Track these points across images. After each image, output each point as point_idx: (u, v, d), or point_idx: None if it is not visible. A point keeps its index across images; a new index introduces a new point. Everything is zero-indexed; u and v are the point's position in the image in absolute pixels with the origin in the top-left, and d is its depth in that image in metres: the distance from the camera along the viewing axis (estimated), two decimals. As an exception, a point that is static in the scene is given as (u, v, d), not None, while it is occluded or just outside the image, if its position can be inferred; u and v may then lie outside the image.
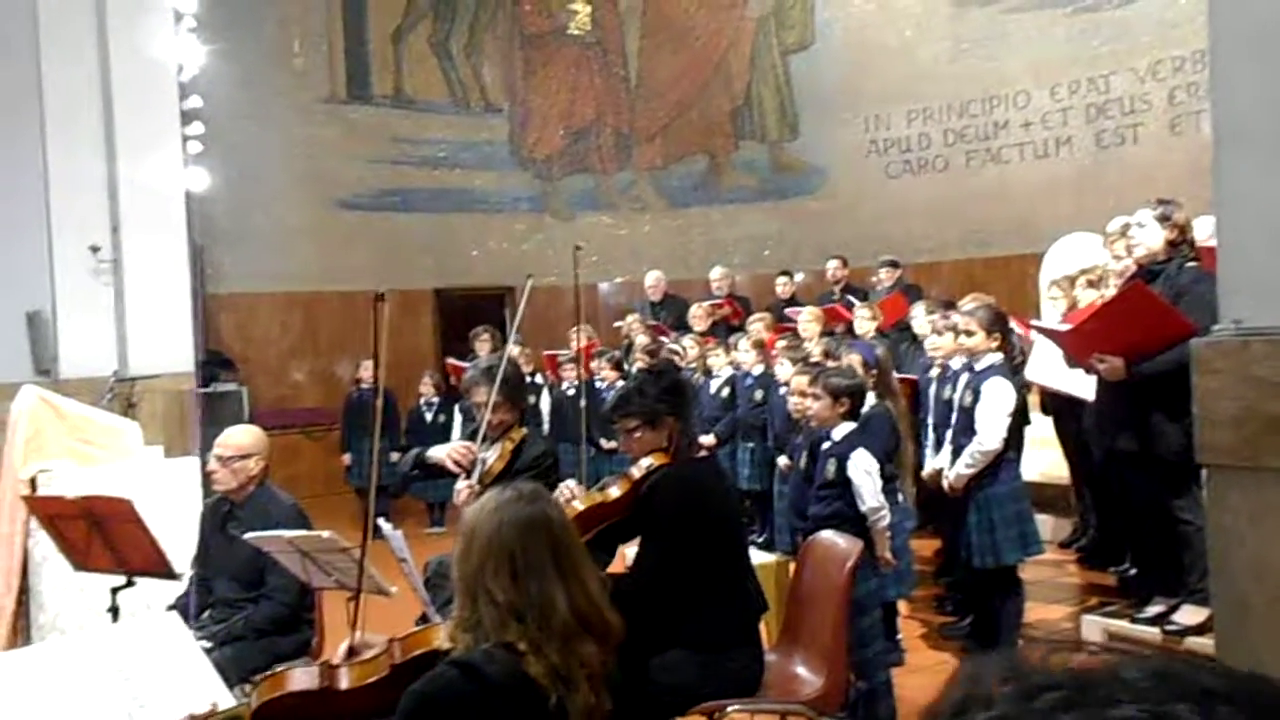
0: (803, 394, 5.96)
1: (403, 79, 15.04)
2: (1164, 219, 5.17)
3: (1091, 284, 6.98)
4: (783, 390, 7.62)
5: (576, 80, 15.82)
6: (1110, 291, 6.17)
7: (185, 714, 3.25)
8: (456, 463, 4.98)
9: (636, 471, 4.10)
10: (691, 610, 3.89)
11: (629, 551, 4.51)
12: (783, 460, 7.76)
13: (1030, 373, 6.96)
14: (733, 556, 4.11)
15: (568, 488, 4.35)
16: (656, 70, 15.80)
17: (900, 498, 5.83)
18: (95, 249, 7.84)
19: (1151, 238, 5.20)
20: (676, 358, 9.24)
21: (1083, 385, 6.20)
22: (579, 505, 4.09)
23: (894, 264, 10.94)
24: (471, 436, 5.12)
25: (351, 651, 3.26)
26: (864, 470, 5.21)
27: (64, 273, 7.84)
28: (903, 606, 6.34)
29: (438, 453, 5.08)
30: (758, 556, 5.43)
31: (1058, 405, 7.32)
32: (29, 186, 7.83)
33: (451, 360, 10.93)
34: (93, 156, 7.92)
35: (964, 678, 0.74)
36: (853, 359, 6.26)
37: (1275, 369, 3.03)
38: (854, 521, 5.15)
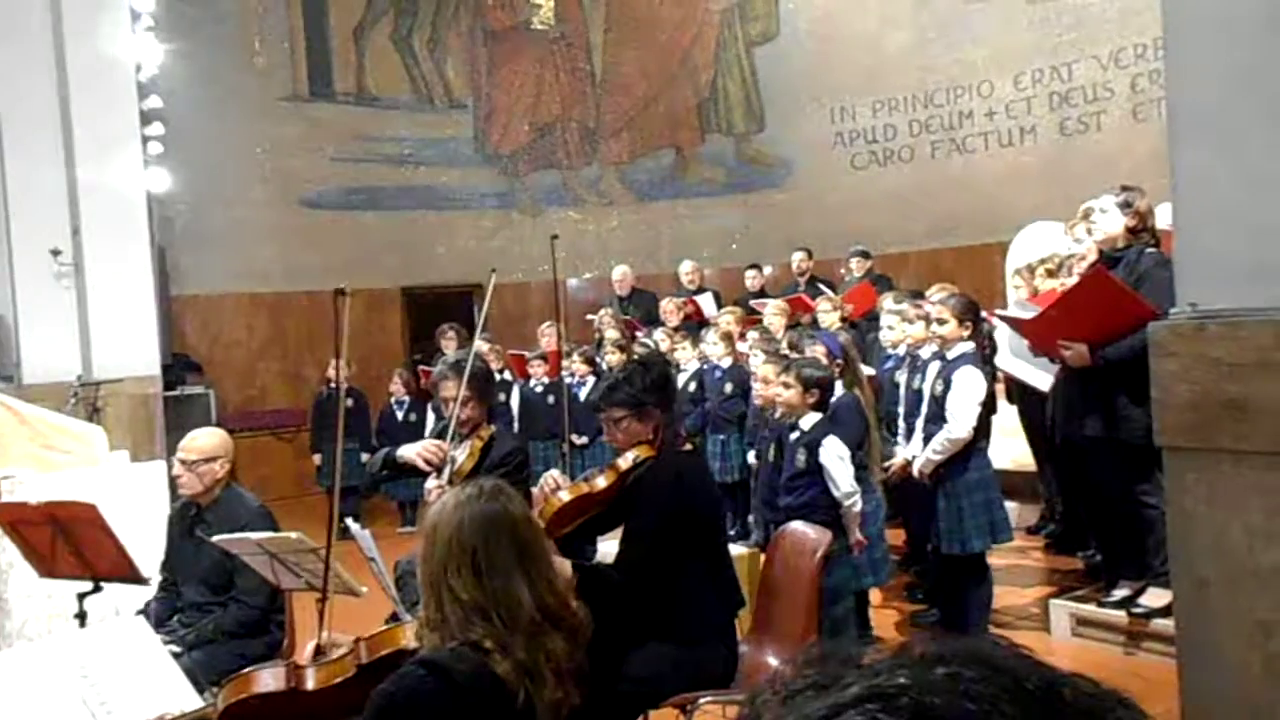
0: (767, 381, 5.98)
1: (365, 76, 14.97)
2: (1125, 205, 5.21)
3: (1050, 273, 7.01)
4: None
5: (541, 75, 15.78)
6: (1070, 279, 6.20)
7: (153, 717, 3.24)
8: (428, 460, 4.95)
9: (623, 463, 4.09)
10: (671, 603, 3.88)
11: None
12: (752, 455, 7.76)
13: (1000, 360, 6.99)
14: (714, 550, 4.12)
15: (552, 478, 4.33)
16: (621, 64, 15.77)
17: (874, 487, 5.86)
18: (56, 252, 7.79)
19: (1111, 223, 5.23)
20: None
21: (1038, 375, 6.24)
22: (565, 496, 4.08)
23: (865, 254, 10.99)
24: (441, 434, 5.10)
25: (319, 651, 3.25)
26: (836, 456, 5.25)
27: (25, 277, 7.78)
28: (875, 595, 6.37)
29: (408, 451, 5.05)
30: (731, 549, 5.45)
31: (1022, 393, 7.36)
32: (-13, 190, 7.78)
33: (424, 367, 10.86)
34: (51, 159, 7.86)
35: (755, 688, 0.80)
36: (817, 350, 6.28)
37: (1231, 351, 3.06)
38: (827, 509, 5.18)
